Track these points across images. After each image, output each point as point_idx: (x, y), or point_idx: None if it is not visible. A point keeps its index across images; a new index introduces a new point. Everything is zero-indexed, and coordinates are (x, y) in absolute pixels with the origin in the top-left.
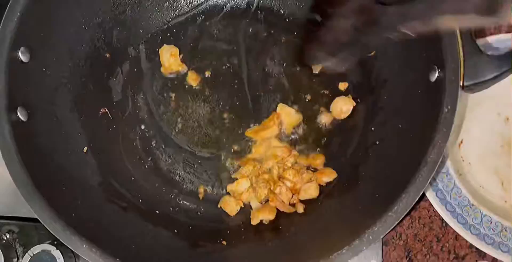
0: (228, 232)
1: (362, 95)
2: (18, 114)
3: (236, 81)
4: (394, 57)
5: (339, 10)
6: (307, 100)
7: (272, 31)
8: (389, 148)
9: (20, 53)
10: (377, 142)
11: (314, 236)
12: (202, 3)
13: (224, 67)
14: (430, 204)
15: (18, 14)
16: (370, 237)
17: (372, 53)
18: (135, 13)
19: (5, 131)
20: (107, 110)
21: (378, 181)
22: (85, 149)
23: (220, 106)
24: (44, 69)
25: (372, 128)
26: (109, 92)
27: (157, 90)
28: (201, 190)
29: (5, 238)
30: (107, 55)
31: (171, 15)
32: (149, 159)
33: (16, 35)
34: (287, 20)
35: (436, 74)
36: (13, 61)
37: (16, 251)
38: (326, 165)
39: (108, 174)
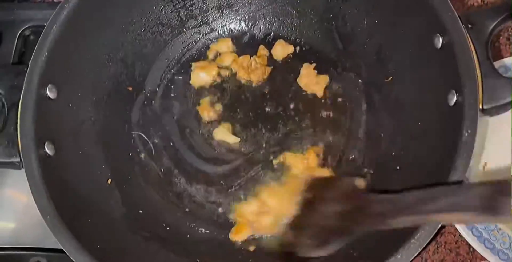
0: (251, 261)
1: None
2: (46, 149)
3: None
4: (411, 81)
5: (329, 195)
6: None
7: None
8: (409, 175)
9: (47, 90)
10: (398, 168)
11: None
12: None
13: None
14: (456, 229)
15: (46, 52)
16: None
17: (390, 78)
18: (156, 47)
19: (33, 166)
20: None
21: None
22: (109, 181)
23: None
24: (70, 105)
25: (393, 154)
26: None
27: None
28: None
29: None
30: (130, 88)
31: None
32: (172, 190)
33: (45, 73)
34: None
35: (455, 98)
36: (41, 98)
37: None
38: None
39: (132, 205)
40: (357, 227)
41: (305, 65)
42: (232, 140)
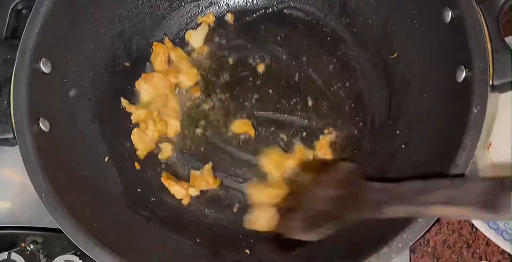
0: (251, 240)
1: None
2: (40, 125)
3: None
4: (417, 57)
5: (325, 179)
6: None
7: None
8: (416, 153)
9: (41, 64)
10: (403, 146)
11: (340, 245)
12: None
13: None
14: None
15: (39, 25)
16: (399, 245)
17: (395, 55)
18: (154, 22)
19: (27, 142)
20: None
21: None
22: (106, 159)
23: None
24: (65, 80)
25: (398, 132)
26: (130, 101)
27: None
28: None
29: (29, 249)
30: (127, 64)
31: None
32: (172, 170)
33: (37, 47)
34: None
35: (464, 74)
36: (35, 72)
37: (40, 261)
38: None
39: (130, 183)
40: (351, 214)
41: None
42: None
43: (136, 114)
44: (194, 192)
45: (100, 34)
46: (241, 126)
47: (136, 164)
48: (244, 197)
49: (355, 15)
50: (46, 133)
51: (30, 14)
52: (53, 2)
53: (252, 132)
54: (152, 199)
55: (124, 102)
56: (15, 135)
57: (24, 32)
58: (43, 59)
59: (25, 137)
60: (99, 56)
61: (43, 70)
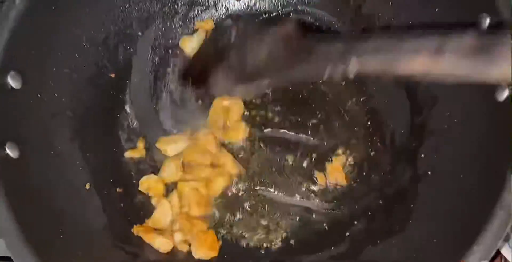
0: None
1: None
2: (7, 150)
3: None
4: None
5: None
6: None
7: None
8: (445, 181)
9: (9, 79)
10: (429, 173)
11: None
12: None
13: None
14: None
15: (7, 32)
16: None
17: None
18: (143, 27)
19: None
20: None
21: (434, 221)
22: (87, 186)
23: None
24: (39, 95)
25: (422, 155)
26: (116, 116)
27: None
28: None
29: None
30: (112, 75)
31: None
32: None
33: (5, 58)
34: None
35: (506, 93)
36: (1, 88)
37: None
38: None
39: (115, 213)
40: (288, 71)
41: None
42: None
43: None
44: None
45: (82, 41)
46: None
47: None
48: None
49: (371, 19)
50: (14, 160)
51: None
52: (25, 6)
53: None
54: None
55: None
56: None
57: None
58: (11, 73)
59: None
60: (80, 67)
61: (12, 85)
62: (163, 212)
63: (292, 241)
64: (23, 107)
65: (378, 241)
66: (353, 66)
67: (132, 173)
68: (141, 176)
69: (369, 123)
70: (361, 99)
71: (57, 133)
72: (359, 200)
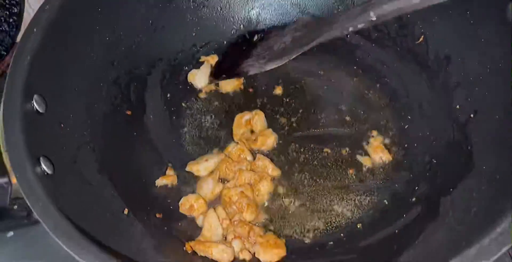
0: None
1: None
2: (42, 165)
3: None
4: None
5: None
6: None
7: None
8: (487, 118)
9: (34, 102)
10: (472, 116)
11: None
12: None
13: None
14: None
15: (28, 58)
16: None
17: (421, 39)
18: (151, 66)
19: (31, 183)
20: None
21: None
22: (125, 211)
23: None
24: (62, 125)
25: (457, 106)
26: (139, 150)
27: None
28: None
29: None
30: (128, 112)
31: None
32: None
33: (28, 81)
34: None
35: None
36: (28, 110)
37: None
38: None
39: (161, 236)
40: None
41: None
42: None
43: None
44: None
45: (95, 79)
46: None
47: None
48: None
49: None
50: (50, 176)
51: (17, 46)
52: (42, 36)
53: None
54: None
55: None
56: (10, 179)
57: (10, 65)
58: (35, 96)
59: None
60: (96, 103)
61: (37, 108)
62: (212, 225)
63: (359, 225)
64: (49, 131)
65: (451, 189)
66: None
67: (168, 200)
68: (177, 201)
69: (393, 103)
70: (377, 86)
71: (84, 163)
72: (411, 168)
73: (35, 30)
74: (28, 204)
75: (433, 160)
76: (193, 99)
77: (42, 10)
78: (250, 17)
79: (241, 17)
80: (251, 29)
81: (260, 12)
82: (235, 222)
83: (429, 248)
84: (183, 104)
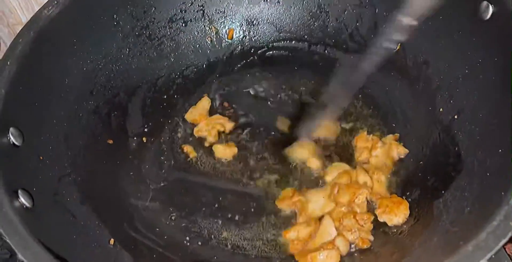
0: None
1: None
2: (21, 198)
3: None
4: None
5: None
6: None
7: None
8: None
9: (10, 135)
10: (456, 117)
11: None
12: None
13: None
14: None
15: (3, 91)
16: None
17: (398, 47)
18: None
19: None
20: None
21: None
22: (111, 241)
23: None
24: (41, 157)
25: (441, 109)
26: (125, 180)
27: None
28: None
29: None
30: (110, 141)
31: None
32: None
33: (3, 115)
34: None
35: (490, 10)
36: (4, 143)
37: None
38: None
39: None
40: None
41: None
42: None
43: None
44: None
45: (73, 109)
46: None
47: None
48: None
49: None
50: (30, 209)
51: None
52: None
53: None
54: None
55: None
56: None
57: None
58: (11, 129)
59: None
60: (75, 135)
61: (14, 141)
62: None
63: None
64: (27, 165)
65: (443, 191)
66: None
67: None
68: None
69: (376, 112)
70: (360, 96)
71: (66, 196)
72: (400, 174)
73: (9, 62)
74: (6, 238)
75: (421, 163)
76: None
77: (16, 42)
78: (228, 40)
79: (219, 40)
80: (230, 51)
81: (238, 34)
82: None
83: (426, 253)
84: (166, 135)
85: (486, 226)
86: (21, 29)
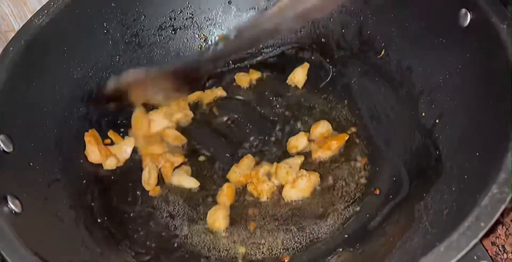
0: None
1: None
2: (10, 203)
3: None
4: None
5: None
6: None
7: None
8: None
9: (0, 142)
10: (437, 121)
11: None
12: None
13: None
14: None
15: None
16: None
17: (382, 53)
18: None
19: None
20: None
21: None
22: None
23: None
24: (31, 163)
25: (423, 114)
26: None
27: None
28: None
29: None
30: None
31: None
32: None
33: None
34: None
35: (469, 17)
36: None
37: None
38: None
39: None
40: None
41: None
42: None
43: None
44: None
45: (64, 117)
46: None
47: None
48: None
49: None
50: (19, 214)
51: None
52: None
53: None
54: None
55: None
56: None
57: None
58: (1, 136)
59: None
60: (66, 141)
61: (3, 147)
62: None
63: None
64: (17, 171)
65: (424, 194)
66: None
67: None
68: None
69: (360, 117)
70: (345, 102)
71: (56, 201)
72: (383, 178)
73: None
74: None
75: (404, 167)
76: None
77: (7, 50)
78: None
79: (208, 47)
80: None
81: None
82: None
83: (405, 254)
84: None
85: (458, 227)
86: (12, 37)
